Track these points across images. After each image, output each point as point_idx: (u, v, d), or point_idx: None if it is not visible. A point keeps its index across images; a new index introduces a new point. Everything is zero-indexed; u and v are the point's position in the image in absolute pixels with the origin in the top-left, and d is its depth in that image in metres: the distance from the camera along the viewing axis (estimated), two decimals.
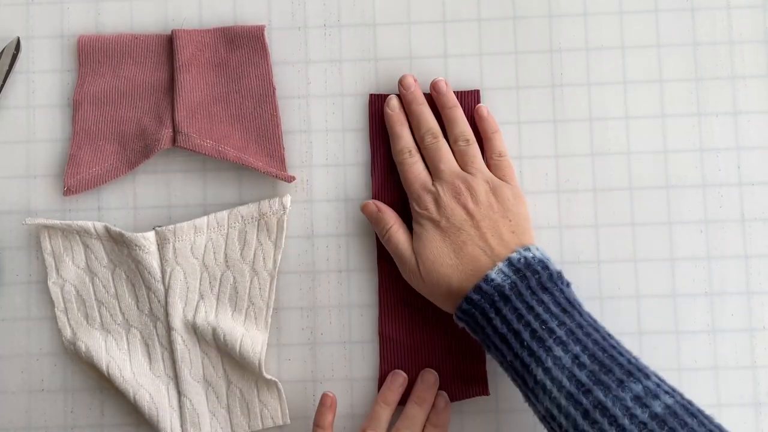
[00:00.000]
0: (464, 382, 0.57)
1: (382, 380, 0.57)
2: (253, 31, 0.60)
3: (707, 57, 0.60)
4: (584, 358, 0.47)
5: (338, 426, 0.57)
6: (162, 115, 0.59)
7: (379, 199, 0.59)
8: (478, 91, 0.59)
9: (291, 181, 0.58)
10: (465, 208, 0.53)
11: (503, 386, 0.58)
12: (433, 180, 0.56)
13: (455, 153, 0.57)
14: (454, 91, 0.59)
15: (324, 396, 0.55)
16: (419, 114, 0.57)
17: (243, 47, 0.60)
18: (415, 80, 0.58)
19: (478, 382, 0.57)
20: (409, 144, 0.57)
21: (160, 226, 0.58)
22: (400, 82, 0.58)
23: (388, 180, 0.59)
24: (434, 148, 0.56)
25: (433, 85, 0.58)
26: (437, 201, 0.54)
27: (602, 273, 0.58)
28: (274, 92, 0.60)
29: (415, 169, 0.56)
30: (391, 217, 0.56)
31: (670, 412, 0.44)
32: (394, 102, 0.58)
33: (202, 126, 0.59)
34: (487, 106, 0.58)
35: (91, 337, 0.57)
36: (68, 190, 0.59)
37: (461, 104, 0.59)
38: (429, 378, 0.56)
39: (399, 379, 0.56)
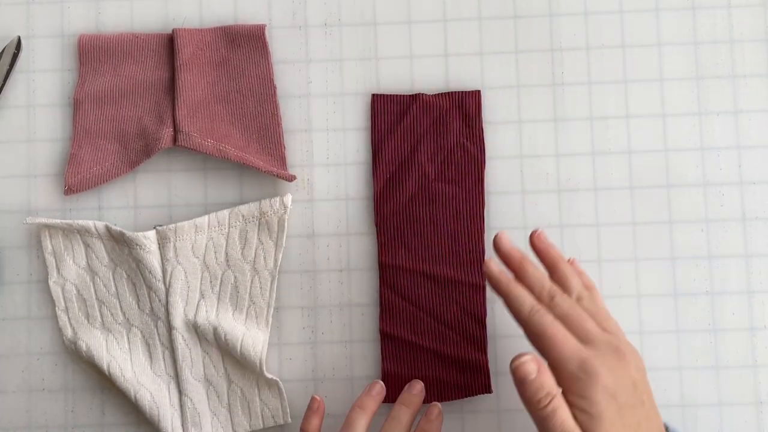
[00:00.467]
0: (467, 380, 0.57)
1: (383, 379, 0.57)
2: (254, 30, 0.60)
3: (708, 56, 0.60)
4: None
5: (337, 426, 0.57)
6: (163, 114, 0.59)
7: (382, 201, 0.58)
8: (479, 91, 0.59)
9: (292, 180, 0.58)
10: (631, 378, 0.45)
11: (505, 385, 0.57)
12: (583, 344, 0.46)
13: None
14: (453, 92, 0.59)
15: (312, 399, 0.55)
16: (533, 273, 0.49)
17: (244, 46, 0.60)
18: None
19: (481, 380, 0.57)
20: (534, 302, 0.47)
21: (160, 225, 0.58)
22: (500, 243, 0.50)
23: (391, 180, 0.59)
24: (567, 306, 0.47)
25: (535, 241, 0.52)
26: (610, 373, 0.44)
27: (603, 272, 0.58)
28: (274, 91, 0.60)
29: (561, 331, 0.46)
30: (553, 383, 0.45)
31: None
32: (495, 265, 0.49)
33: (202, 125, 0.59)
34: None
35: (91, 337, 0.57)
36: (69, 190, 0.59)
37: (461, 105, 0.59)
38: (415, 386, 0.55)
39: (376, 386, 0.55)
